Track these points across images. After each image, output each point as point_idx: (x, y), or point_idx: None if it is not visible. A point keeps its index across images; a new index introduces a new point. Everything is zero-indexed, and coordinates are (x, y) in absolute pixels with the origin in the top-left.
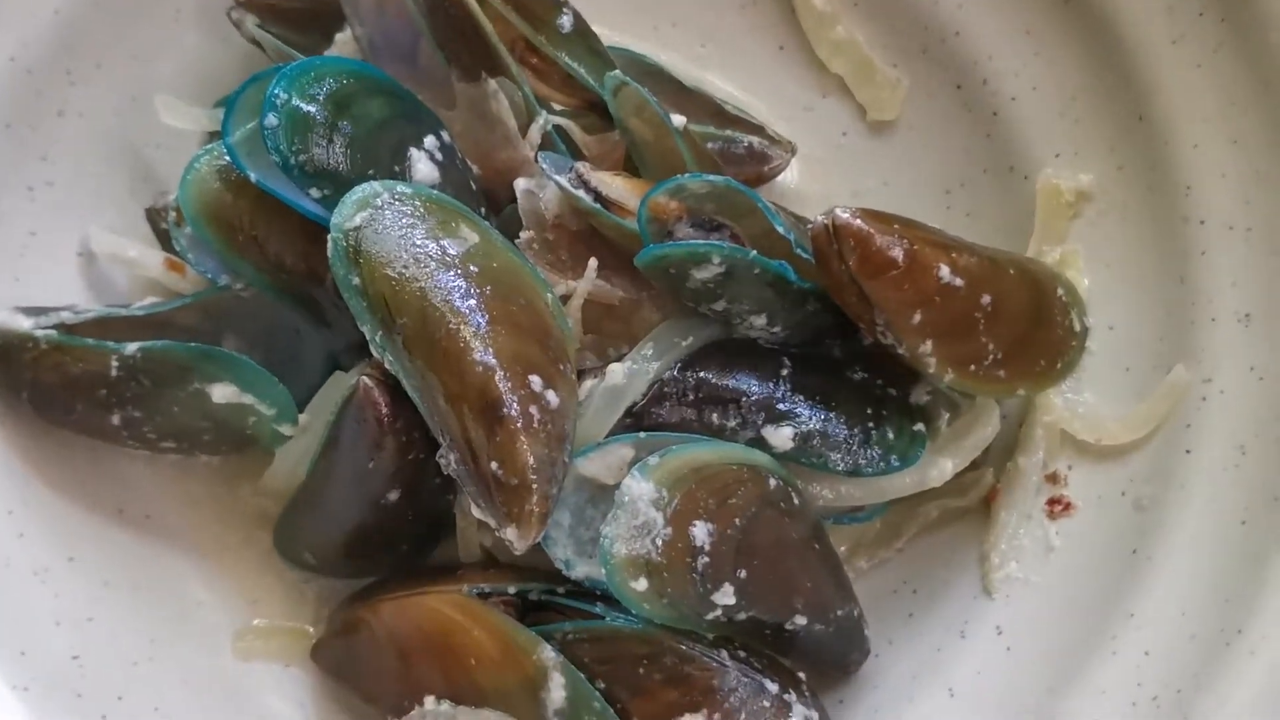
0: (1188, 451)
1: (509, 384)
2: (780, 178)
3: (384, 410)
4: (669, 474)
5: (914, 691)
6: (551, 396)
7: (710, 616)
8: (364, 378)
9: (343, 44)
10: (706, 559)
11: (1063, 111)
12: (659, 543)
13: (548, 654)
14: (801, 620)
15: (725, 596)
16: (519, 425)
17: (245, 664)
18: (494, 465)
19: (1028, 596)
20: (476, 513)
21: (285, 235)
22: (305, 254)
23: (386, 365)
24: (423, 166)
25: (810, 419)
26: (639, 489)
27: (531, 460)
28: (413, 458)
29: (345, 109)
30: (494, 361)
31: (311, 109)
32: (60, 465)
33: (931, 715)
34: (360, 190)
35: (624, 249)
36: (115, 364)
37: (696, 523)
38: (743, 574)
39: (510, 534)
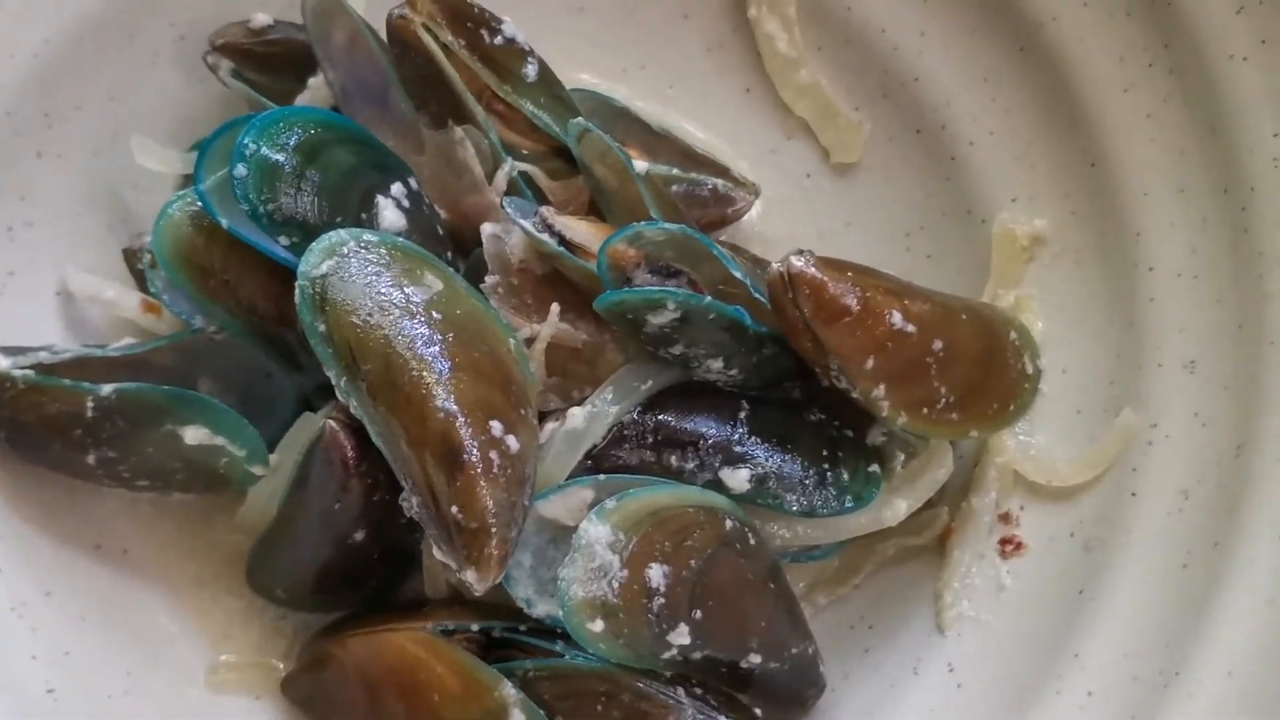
0: (1133, 495)
1: (470, 430)
2: (745, 219)
3: (349, 453)
4: (626, 517)
5: None
6: (512, 441)
7: (666, 656)
8: (329, 421)
9: (316, 89)
10: (662, 600)
11: (1019, 157)
12: (615, 585)
13: (508, 691)
14: (757, 658)
15: (680, 637)
16: (479, 470)
17: (217, 697)
18: (454, 509)
19: (978, 635)
20: (438, 554)
21: (257, 280)
22: (276, 298)
23: (351, 410)
24: (389, 214)
25: (766, 461)
26: (596, 533)
27: (490, 505)
28: (378, 499)
29: (313, 158)
30: (455, 408)
31: (280, 158)
32: (37, 501)
33: None
34: (327, 239)
35: (588, 292)
36: (91, 405)
37: (652, 565)
38: (698, 614)
39: (470, 576)
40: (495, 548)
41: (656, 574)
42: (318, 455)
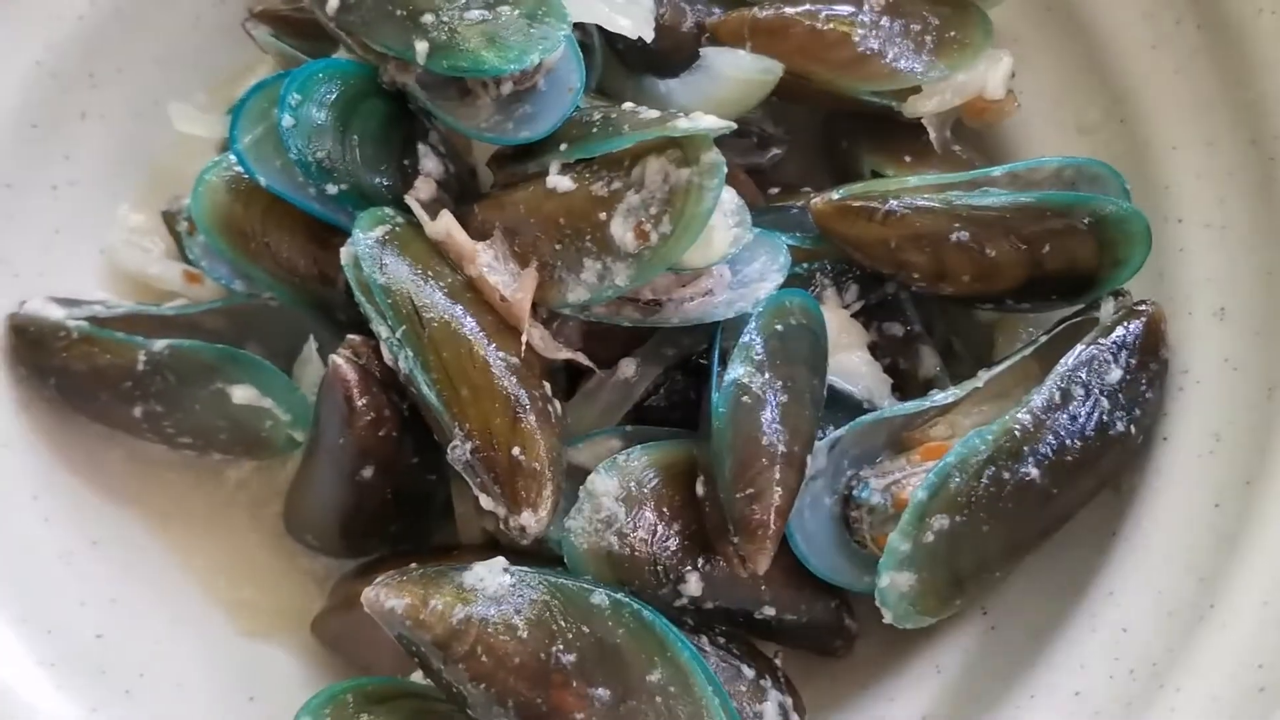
0: (1165, 439)
1: (530, 382)
2: None
3: (353, 388)
4: (635, 470)
5: (902, 667)
6: (557, 404)
7: (678, 604)
8: (334, 356)
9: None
10: (670, 551)
11: (1049, 115)
12: (621, 536)
13: None
14: (770, 610)
15: (691, 588)
16: (537, 419)
17: (254, 639)
18: (516, 451)
19: (1015, 575)
20: (486, 503)
21: (296, 241)
22: (316, 258)
23: (400, 362)
24: (430, 162)
25: None
26: (604, 484)
27: (548, 449)
28: (384, 434)
29: (354, 107)
30: (517, 361)
31: (323, 109)
32: (84, 453)
33: (918, 694)
34: (376, 211)
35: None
36: (143, 358)
37: (661, 517)
38: (706, 566)
39: (527, 517)
40: (551, 492)
41: (664, 526)
42: (324, 393)
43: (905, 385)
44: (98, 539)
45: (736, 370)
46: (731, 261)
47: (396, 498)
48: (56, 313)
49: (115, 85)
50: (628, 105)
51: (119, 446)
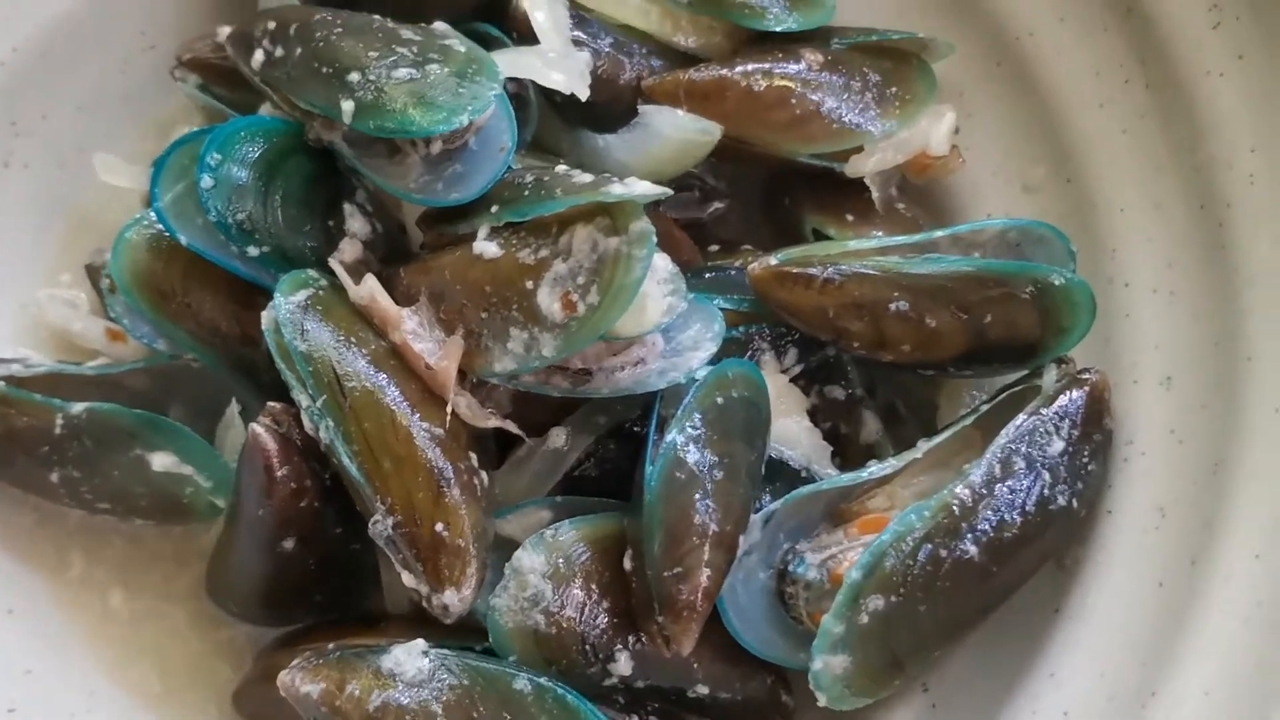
0: (1109, 512)
1: (455, 454)
2: None
3: (273, 457)
4: (563, 546)
5: None
6: (484, 476)
7: (607, 684)
8: (253, 425)
9: None
10: (599, 630)
11: (995, 171)
12: (548, 615)
13: None
14: (704, 689)
15: (621, 667)
16: (462, 494)
17: (175, 710)
18: (439, 527)
19: (956, 652)
20: (408, 581)
21: (218, 301)
22: (239, 318)
23: (321, 431)
24: (356, 222)
25: None
26: (530, 561)
27: (473, 525)
28: (305, 505)
29: (277, 166)
30: (441, 432)
31: (244, 169)
32: (1, 518)
33: None
34: (300, 273)
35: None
36: (60, 422)
37: (589, 595)
38: (637, 644)
39: (450, 596)
40: (475, 570)
41: (592, 604)
42: (245, 462)
43: (846, 450)
44: (13, 608)
45: (672, 445)
46: (665, 329)
47: (320, 567)
48: None
49: (39, 133)
50: (561, 167)
51: (31, 511)
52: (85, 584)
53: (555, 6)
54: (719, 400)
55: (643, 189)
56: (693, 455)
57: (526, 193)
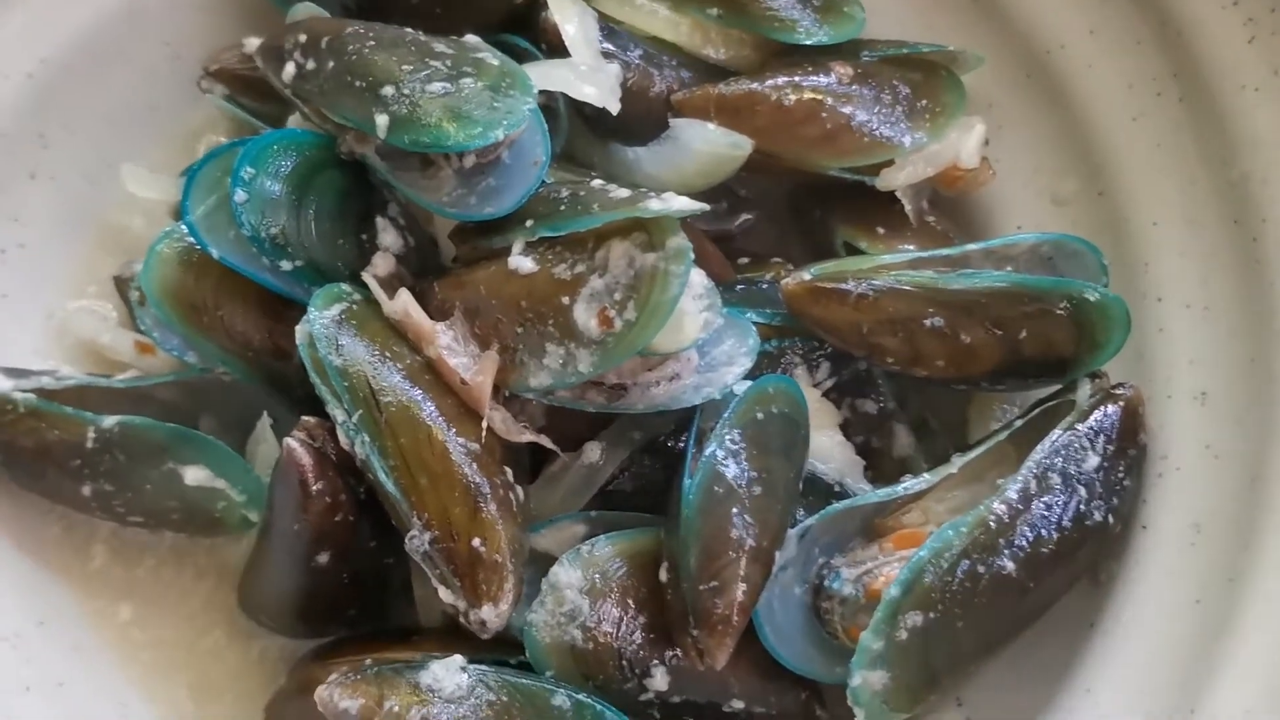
0: (1144, 527)
1: (490, 469)
2: None
3: (308, 472)
4: (599, 561)
5: None
6: (520, 490)
7: (644, 699)
8: (288, 440)
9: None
10: (635, 645)
11: (1025, 184)
12: (585, 630)
13: None
14: (739, 703)
15: (657, 682)
16: (498, 509)
17: None
18: (476, 542)
19: (990, 667)
20: (445, 596)
21: (249, 314)
22: (271, 331)
23: (357, 446)
24: (388, 236)
25: None
26: (567, 576)
27: (509, 540)
28: (339, 520)
29: (310, 180)
30: (477, 447)
31: (277, 182)
32: (30, 529)
33: None
34: (333, 287)
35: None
36: (92, 435)
37: (625, 610)
38: (673, 659)
39: (487, 612)
40: (512, 585)
41: (629, 619)
42: (279, 476)
43: (878, 464)
44: (44, 619)
45: (711, 459)
46: (700, 344)
47: (354, 582)
48: (3, 384)
49: (66, 145)
50: (596, 182)
51: (58, 520)
52: (116, 596)
53: (585, 19)
54: (759, 415)
55: (680, 204)
56: (731, 470)
57: (562, 207)
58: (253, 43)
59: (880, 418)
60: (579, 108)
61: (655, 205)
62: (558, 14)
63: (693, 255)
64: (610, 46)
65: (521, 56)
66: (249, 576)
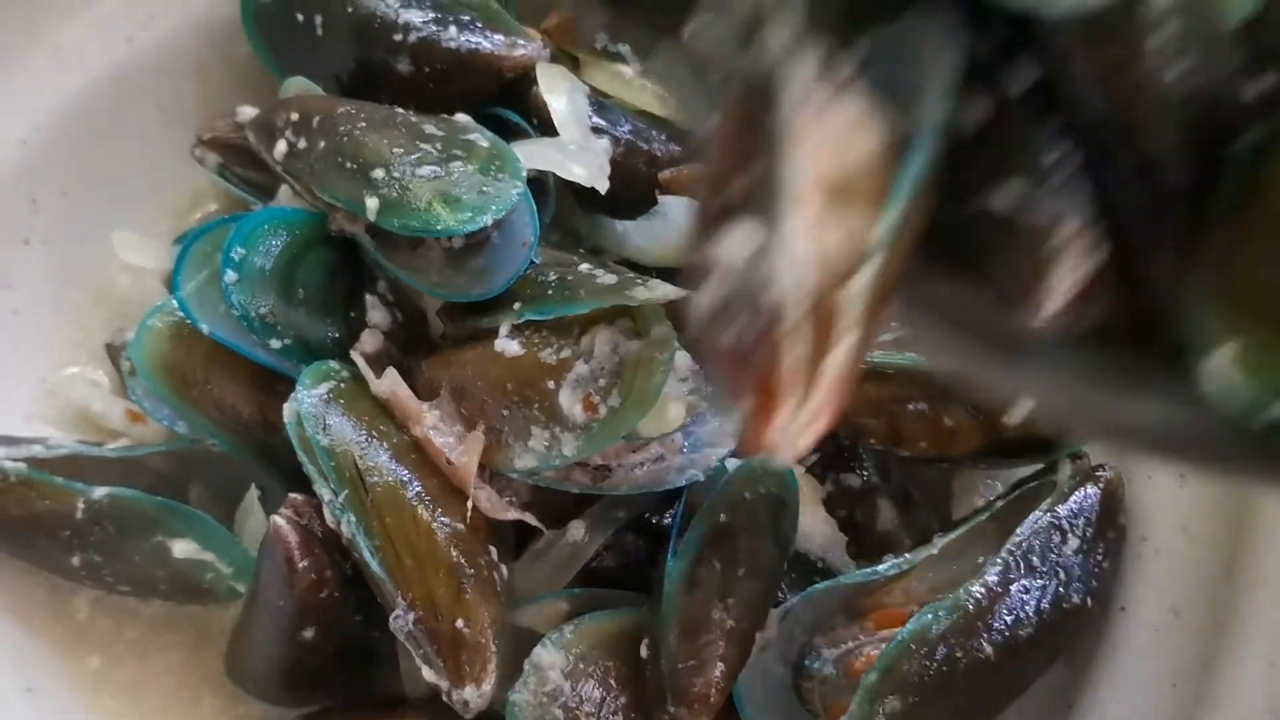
0: (1122, 609)
1: (474, 549)
2: None
3: (294, 550)
4: (581, 642)
5: None
6: (504, 569)
7: None
8: (274, 518)
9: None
10: None
11: None
12: (568, 711)
13: None
14: None
15: None
16: (482, 590)
17: None
18: (459, 623)
19: None
20: (429, 676)
21: (240, 387)
22: (260, 404)
23: (343, 525)
24: (377, 313)
25: None
26: (550, 657)
27: (492, 621)
28: (325, 596)
29: (300, 259)
30: (462, 528)
31: (267, 261)
32: (19, 595)
33: None
34: (322, 364)
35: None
36: (82, 506)
37: (609, 692)
38: None
39: (470, 692)
40: (495, 666)
41: (611, 699)
42: (266, 551)
43: (861, 538)
44: (32, 686)
45: (696, 540)
46: (685, 427)
47: (339, 654)
48: None
49: (59, 210)
50: (584, 266)
51: (44, 584)
52: (103, 659)
53: (575, 95)
54: (746, 495)
55: (664, 291)
56: (716, 551)
57: (550, 291)
58: (247, 113)
59: (863, 492)
60: (568, 181)
61: (641, 293)
62: (547, 92)
63: (677, 343)
64: (600, 121)
65: (511, 131)
66: (236, 645)
